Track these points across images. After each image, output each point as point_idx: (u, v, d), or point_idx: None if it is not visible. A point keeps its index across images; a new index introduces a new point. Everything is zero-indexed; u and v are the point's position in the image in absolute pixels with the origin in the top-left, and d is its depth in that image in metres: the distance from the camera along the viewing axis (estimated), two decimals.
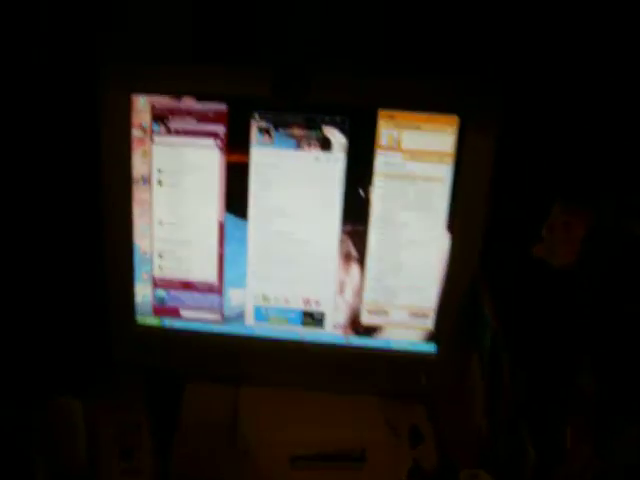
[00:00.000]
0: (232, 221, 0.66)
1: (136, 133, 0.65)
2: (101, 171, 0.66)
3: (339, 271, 0.67)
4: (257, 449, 0.68)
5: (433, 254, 0.66)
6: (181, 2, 0.69)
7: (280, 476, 0.68)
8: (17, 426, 0.63)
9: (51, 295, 0.74)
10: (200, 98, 0.63)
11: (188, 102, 0.64)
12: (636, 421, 0.56)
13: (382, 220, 0.66)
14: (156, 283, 0.69)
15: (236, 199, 0.66)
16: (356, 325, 0.70)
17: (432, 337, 0.70)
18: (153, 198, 0.67)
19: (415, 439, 0.71)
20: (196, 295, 0.69)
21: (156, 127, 0.65)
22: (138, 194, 0.66)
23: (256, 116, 0.63)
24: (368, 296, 0.68)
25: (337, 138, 0.63)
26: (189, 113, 0.64)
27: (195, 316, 0.71)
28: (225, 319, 0.70)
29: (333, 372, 0.71)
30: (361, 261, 0.67)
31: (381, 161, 0.64)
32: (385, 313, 0.69)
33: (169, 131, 0.65)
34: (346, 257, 0.67)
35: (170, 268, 0.69)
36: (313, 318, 0.70)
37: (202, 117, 0.64)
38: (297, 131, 0.64)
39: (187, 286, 0.69)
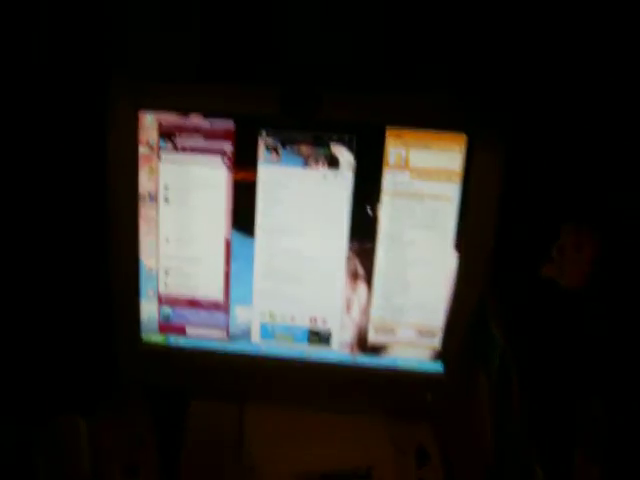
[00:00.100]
0: (239, 238, 0.66)
1: (143, 150, 0.65)
2: (107, 188, 0.66)
3: (346, 289, 0.67)
4: (263, 466, 0.68)
5: (441, 272, 0.66)
6: (189, 20, 0.69)
7: None
8: (21, 444, 0.63)
9: (57, 313, 0.74)
10: (207, 115, 0.63)
11: (195, 119, 0.64)
12: None
13: (390, 238, 0.65)
14: (162, 300, 0.69)
15: (243, 216, 0.66)
16: (363, 343, 0.69)
17: (439, 356, 0.69)
18: (159, 215, 0.66)
19: (421, 459, 0.70)
20: (202, 312, 0.69)
21: (163, 144, 0.64)
22: (144, 211, 0.66)
23: (263, 134, 0.63)
24: (375, 314, 0.68)
25: (345, 156, 0.63)
26: (196, 130, 0.64)
27: (201, 333, 0.70)
28: (231, 337, 0.70)
29: (339, 390, 0.70)
30: (368, 279, 0.67)
31: (389, 179, 0.64)
32: (392, 331, 0.68)
33: (176, 148, 0.65)
34: (353, 275, 0.67)
35: (176, 285, 0.68)
36: (319, 336, 0.69)
37: (209, 134, 0.64)
38: (305, 149, 0.63)
39: (193, 303, 0.69)
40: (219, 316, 0.69)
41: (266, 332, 0.69)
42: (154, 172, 0.65)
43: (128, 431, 0.70)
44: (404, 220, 0.65)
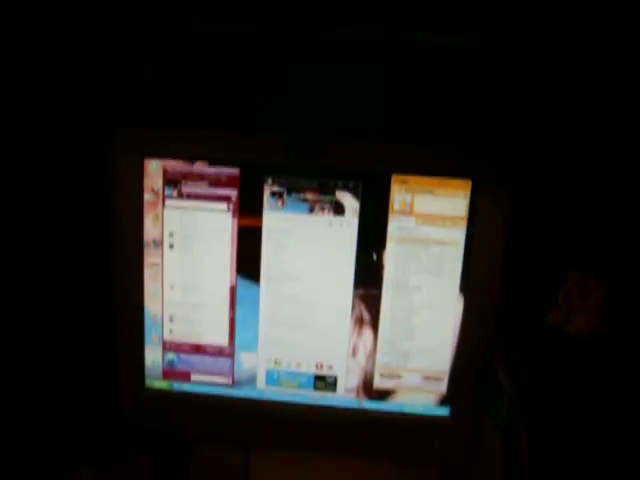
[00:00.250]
0: (244, 285, 0.66)
1: (148, 197, 0.65)
2: (112, 234, 0.65)
3: (352, 335, 0.67)
4: None
5: (447, 318, 0.66)
6: (194, 69, 0.69)
7: None
8: None
9: (61, 359, 0.73)
10: (212, 162, 0.63)
11: (200, 166, 0.64)
12: None
13: (395, 284, 0.65)
14: (166, 346, 0.69)
15: (248, 263, 0.65)
16: (369, 389, 0.69)
17: (446, 401, 0.68)
18: (164, 262, 0.66)
19: None
20: (207, 358, 0.69)
21: (168, 191, 0.65)
22: (149, 257, 0.66)
23: (269, 181, 0.63)
24: (381, 360, 0.67)
25: (350, 203, 0.63)
26: (201, 177, 0.64)
27: (205, 380, 0.69)
28: (236, 383, 0.69)
29: (345, 436, 0.70)
30: (374, 325, 0.66)
31: (394, 225, 0.64)
32: (398, 377, 0.68)
33: (181, 195, 0.65)
34: (359, 321, 0.66)
35: (181, 331, 0.68)
36: (325, 382, 0.69)
37: (214, 181, 0.64)
38: (310, 196, 0.63)
39: (198, 349, 0.68)
40: (224, 362, 0.69)
41: (271, 378, 0.69)
42: (159, 219, 0.65)
43: (131, 478, 0.69)
44: (409, 266, 0.65)
